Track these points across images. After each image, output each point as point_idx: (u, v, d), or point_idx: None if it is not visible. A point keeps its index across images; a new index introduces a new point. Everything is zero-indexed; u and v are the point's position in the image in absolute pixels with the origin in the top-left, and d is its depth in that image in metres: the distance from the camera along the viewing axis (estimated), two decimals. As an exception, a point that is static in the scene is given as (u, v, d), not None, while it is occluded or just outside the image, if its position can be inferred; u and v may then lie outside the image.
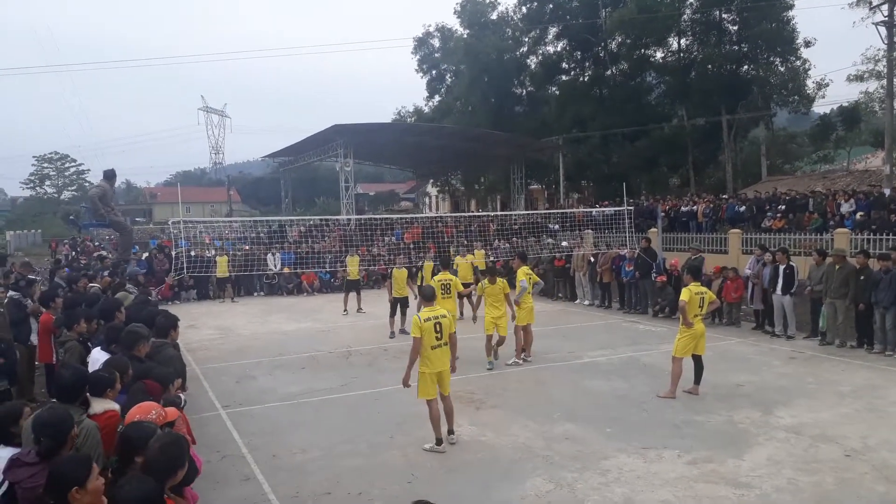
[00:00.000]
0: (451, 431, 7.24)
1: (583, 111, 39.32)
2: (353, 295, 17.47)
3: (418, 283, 13.67)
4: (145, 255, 21.87)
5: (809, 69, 35.15)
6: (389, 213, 58.59)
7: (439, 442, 7.01)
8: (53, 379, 4.39)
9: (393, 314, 14.11)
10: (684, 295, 8.81)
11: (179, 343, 7.53)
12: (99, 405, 4.22)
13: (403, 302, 14.23)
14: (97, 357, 5.34)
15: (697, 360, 8.99)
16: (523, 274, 11.29)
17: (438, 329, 6.92)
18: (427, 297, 7.31)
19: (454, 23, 49.13)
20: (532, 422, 7.96)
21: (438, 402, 7.06)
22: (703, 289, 9.13)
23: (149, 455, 3.15)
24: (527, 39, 44.38)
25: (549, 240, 22.47)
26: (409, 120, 53.84)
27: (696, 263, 9.94)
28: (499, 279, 10.88)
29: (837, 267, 12.06)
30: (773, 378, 9.93)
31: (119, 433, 3.54)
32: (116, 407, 4.24)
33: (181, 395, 5.78)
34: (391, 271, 14.68)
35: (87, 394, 4.24)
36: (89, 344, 6.29)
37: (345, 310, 17.21)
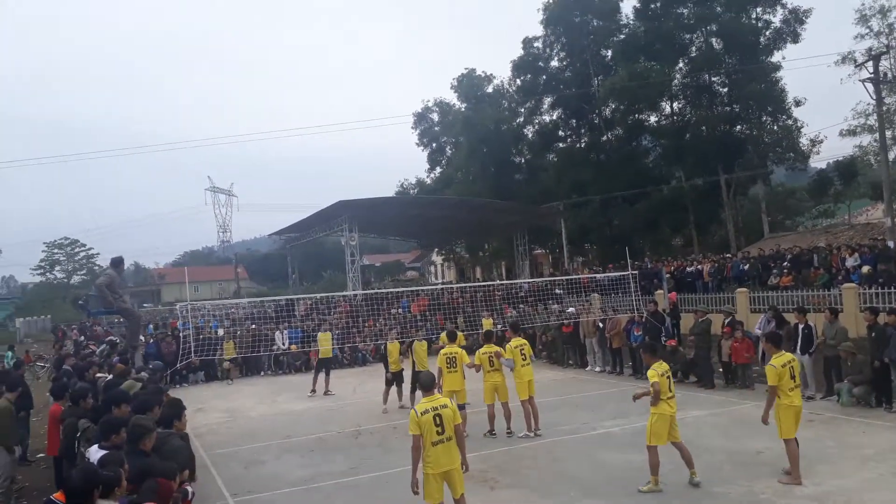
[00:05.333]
0: None
1: (582, 176, 39.97)
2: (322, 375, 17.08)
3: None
4: (151, 339, 21.85)
5: (802, 127, 35.89)
6: (395, 282, 58.75)
7: None
8: (66, 482, 4.32)
9: (388, 387, 14.21)
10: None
11: (189, 432, 7.45)
12: None
13: (399, 377, 14.21)
14: (95, 457, 5.21)
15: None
16: (510, 351, 11.25)
17: (439, 422, 6.16)
18: (426, 385, 6.56)
19: (452, 97, 50.75)
20: (549, 501, 7.77)
21: None
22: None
23: None
24: (522, 110, 45.63)
25: (555, 305, 22.41)
26: (411, 192, 54.76)
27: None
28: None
29: (850, 363, 11.97)
30: (793, 443, 9.69)
31: None
32: None
33: (188, 487, 5.70)
34: (385, 346, 14.63)
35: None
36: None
37: (312, 390, 16.95)
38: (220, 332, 23.24)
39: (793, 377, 7.93)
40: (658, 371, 7.95)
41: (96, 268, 77.03)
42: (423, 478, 6.23)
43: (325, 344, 17.32)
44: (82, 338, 31.42)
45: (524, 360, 11.30)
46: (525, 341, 11.78)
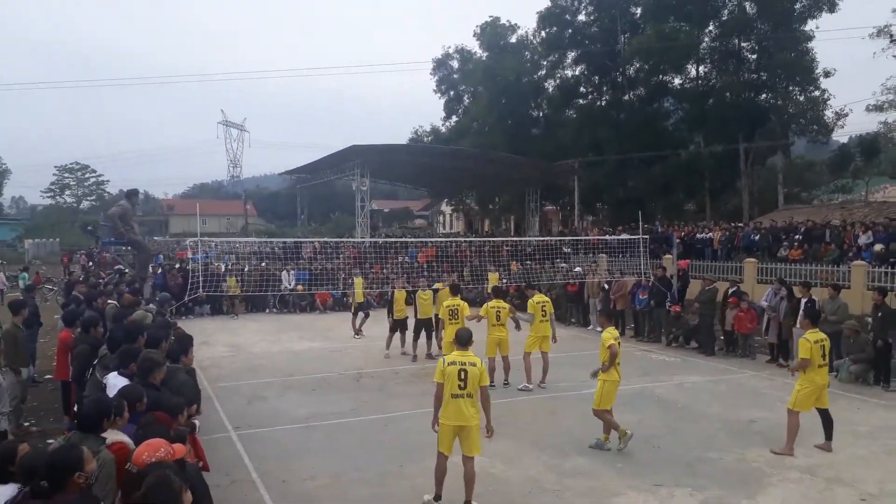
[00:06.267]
0: (467, 502, 6.33)
1: (599, 135, 39.40)
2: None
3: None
4: (159, 270, 22.05)
5: (829, 99, 35.04)
6: (403, 229, 58.84)
7: (437, 498, 6.40)
8: (78, 409, 4.41)
9: (392, 333, 14.34)
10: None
11: (195, 366, 7.57)
12: (108, 436, 4.22)
13: (403, 324, 14.28)
14: (114, 383, 5.34)
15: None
16: (531, 305, 11.58)
17: (463, 377, 6.24)
18: (462, 341, 6.59)
19: (473, 45, 49.65)
20: (543, 454, 7.92)
21: (461, 461, 6.32)
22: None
23: (137, 499, 3.15)
24: (545, 63, 44.63)
25: (563, 264, 22.42)
26: (425, 139, 54.22)
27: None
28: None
29: (852, 341, 11.93)
30: (788, 415, 9.79)
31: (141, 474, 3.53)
32: (125, 439, 4.22)
33: (195, 420, 5.81)
34: (391, 293, 14.75)
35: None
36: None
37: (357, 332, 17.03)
38: (223, 267, 23.36)
39: (823, 355, 8.06)
40: (612, 335, 8.12)
41: (106, 195, 77.34)
42: (440, 427, 6.35)
43: (358, 288, 17.28)
44: (91, 263, 31.82)
45: (544, 316, 11.54)
46: (548, 299, 12.00)
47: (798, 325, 10.16)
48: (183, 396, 5.33)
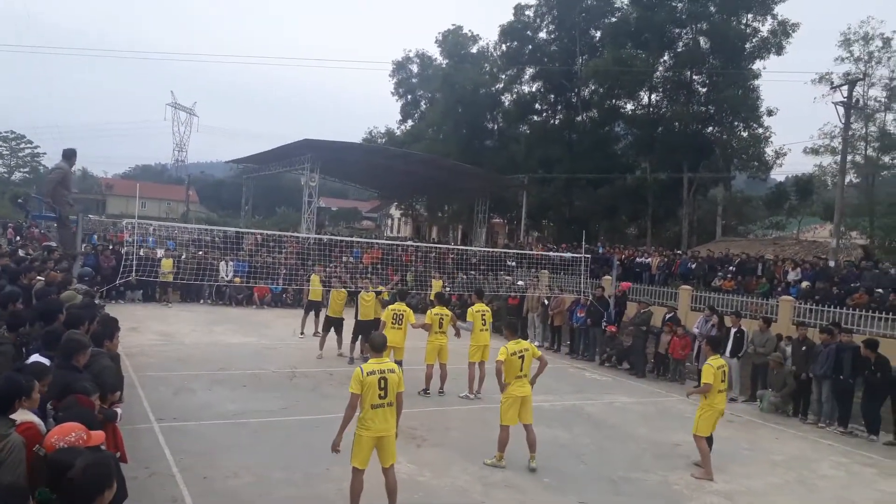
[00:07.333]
0: None
1: (550, 153, 40.06)
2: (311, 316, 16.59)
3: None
4: (91, 251, 21.14)
5: (770, 137, 36.63)
6: (350, 230, 58.30)
7: None
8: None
9: (325, 332, 14.24)
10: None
11: (120, 352, 7.26)
12: (17, 416, 3.97)
13: (339, 324, 14.13)
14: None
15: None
16: (471, 314, 11.62)
17: (383, 385, 5.93)
18: (376, 346, 6.25)
19: (434, 51, 49.95)
20: (472, 465, 7.92)
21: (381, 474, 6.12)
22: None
23: (72, 476, 2.98)
24: (503, 77, 45.17)
25: (507, 277, 22.61)
26: (380, 141, 54.07)
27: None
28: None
29: (775, 373, 12.39)
30: (711, 440, 10.09)
31: (49, 459, 3.35)
32: (35, 419, 3.98)
33: (117, 409, 5.56)
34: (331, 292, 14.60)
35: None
36: (24, 349, 6.00)
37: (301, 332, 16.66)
38: (160, 252, 22.58)
39: (723, 380, 8.27)
40: (509, 350, 7.87)
41: (41, 168, 74.06)
42: (355, 439, 5.97)
43: (315, 286, 16.47)
44: (18, 238, 30.30)
45: (483, 325, 11.55)
46: (487, 308, 12.00)
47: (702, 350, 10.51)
48: (104, 382, 5.09)
